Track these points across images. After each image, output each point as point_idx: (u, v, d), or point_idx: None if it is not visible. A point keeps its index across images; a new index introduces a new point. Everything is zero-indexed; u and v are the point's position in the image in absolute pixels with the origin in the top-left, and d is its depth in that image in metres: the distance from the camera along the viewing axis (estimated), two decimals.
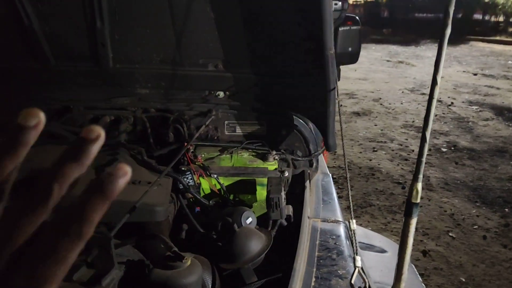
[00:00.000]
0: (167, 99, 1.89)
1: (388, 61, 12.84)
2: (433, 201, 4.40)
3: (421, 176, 0.90)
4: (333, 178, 4.76)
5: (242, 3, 1.55)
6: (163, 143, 1.92)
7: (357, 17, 2.39)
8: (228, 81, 1.81)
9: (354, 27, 2.37)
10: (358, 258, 1.05)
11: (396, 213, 4.23)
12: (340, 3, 2.35)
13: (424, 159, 0.88)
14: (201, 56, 1.74)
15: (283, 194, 1.54)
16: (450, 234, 3.83)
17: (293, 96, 1.81)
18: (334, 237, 1.45)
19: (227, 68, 1.76)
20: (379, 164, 5.34)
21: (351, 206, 1.23)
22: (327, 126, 1.70)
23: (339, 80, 2.55)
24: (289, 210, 1.60)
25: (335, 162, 5.41)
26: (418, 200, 0.91)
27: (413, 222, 0.91)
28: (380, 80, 10.08)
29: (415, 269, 1.75)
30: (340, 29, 2.35)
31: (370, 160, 5.49)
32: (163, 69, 1.80)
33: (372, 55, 13.88)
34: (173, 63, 1.78)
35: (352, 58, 2.51)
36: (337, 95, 1.56)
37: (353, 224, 1.16)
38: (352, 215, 1.18)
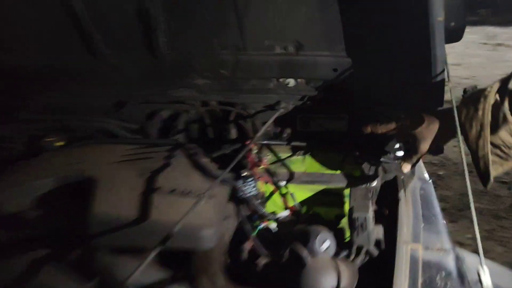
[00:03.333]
0: (228, 90, 1.60)
1: (485, 44, 11.54)
2: None
3: None
4: None
5: None
6: (224, 141, 1.65)
7: None
8: (301, 66, 1.47)
9: None
10: None
11: (502, 219, 3.60)
12: None
13: None
14: (267, 37, 1.42)
15: (370, 212, 1.18)
16: None
17: (385, 84, 1.42)
18: (443, 273, 1.07)
19: (299, 50, 1.43)
20: None
21: (479, 243, 0.84)
22: None
23: None
24: (378, 232, 1.24)
25: (424, 157, 4.81)
26: None
27: None
28: (476, 65, 9.03)
29: None
30: None
31: (468, 154, 4.80)
32: (223, 55, 1.51)
33: (467, 37, 12.54)
34: (234, 48, 1.49)
35: (455, 35, 2.01)
36: (448, 78, 1.16)
37: (483, 271, 0.77)
38: (482, 260, 0.79)
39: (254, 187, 1.37)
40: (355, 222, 1.15)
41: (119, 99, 1.74)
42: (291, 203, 1.41)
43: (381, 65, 1.34)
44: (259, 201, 1.37)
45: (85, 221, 1.05)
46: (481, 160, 1.10)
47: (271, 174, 1.40)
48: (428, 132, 1.22)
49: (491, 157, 1.08)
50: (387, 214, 1.36)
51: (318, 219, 1.41)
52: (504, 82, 1.09)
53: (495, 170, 1.09)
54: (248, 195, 1.33)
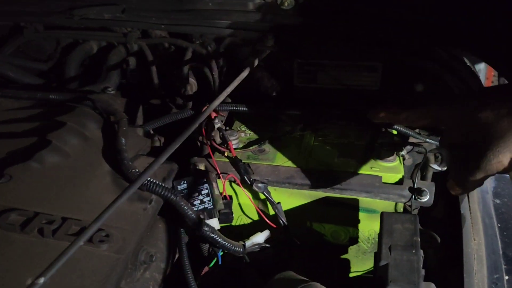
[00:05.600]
0: (178, 11, 0.93)
1: None
2: None
3: None
4: None
5: None
6: (182, 97, 1.02)
7: None
8: None
9: None
10: None
11: None
12: None
13: None
14: None
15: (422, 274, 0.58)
16: None
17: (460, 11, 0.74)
18: None
19: None
20: None
21: None
22: None
23: None
24: None
25: None
26: None
27: None
28: None
29: None
30: None
31: None
32: None
33: None
34: None
35: None
36: None
37: None
38: None
39: (208, 195, 0.77)
40: None
41: (12, 20, 1.09)
42: (277, 219, 0.82)
43: None
44: (217, 218, 0.78)
45: None
46: None
47: (242, 168, 0.79)
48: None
49: None
50: (437, 246, 0.77)
51: (320, 246, 0.83)
52: None
53: None
54: (195, 211, 0.74)
